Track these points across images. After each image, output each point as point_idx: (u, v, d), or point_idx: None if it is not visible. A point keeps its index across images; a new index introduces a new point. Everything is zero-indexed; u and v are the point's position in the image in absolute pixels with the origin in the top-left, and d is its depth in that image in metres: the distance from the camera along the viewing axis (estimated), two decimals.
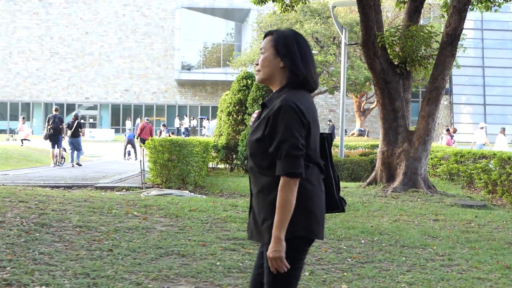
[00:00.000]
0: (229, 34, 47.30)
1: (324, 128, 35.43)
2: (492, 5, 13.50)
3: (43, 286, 4.00)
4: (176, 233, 6.19)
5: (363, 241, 6.27)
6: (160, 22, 45.74)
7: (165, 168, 10.55)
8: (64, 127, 16.58)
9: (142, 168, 11.01)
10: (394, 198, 10.36)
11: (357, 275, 4.86)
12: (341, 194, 2.56)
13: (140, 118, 40.33)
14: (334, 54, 31.78)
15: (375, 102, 36.96)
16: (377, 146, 17.57)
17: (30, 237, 5.43)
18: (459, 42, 12.07)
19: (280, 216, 2.25)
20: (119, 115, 46.14)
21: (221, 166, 17.41)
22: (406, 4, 12.57)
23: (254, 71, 2.67)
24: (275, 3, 14.03)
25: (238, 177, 14.59)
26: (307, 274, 4.76)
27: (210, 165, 16.45)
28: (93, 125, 44.96)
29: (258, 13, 39.72)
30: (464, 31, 13.64)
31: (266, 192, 2.35)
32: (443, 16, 14.15)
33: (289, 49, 2.43)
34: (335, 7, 16.70)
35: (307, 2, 14.61)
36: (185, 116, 40.96)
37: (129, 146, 21.68)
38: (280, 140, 2.28)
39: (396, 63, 11.63)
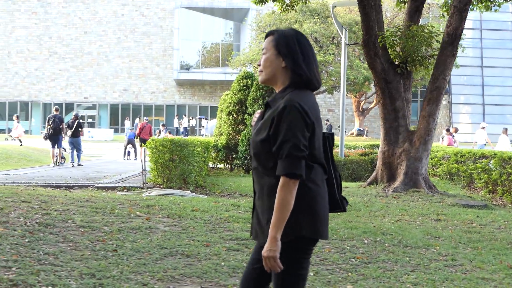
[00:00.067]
0: (228, 34, 47.28)
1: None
2: (492, 5, 13.52)
3: (49, 286, 4.00)
4: (179, 233, 6.20)
5: (366, 241, 6.28)
6: (159, 21, 45.71)
7: (166, 168, 10.55)
8: (64, 127, 16.58)
9: (143, 168, 11.01)
10: (395, 198, 10.37)
11: (362, 275, 4.87)
12: (342, 194, 2.57)
13: (139, 118, 40.32)
14: (333, 54, 31.81)
15: (374, 102, 37.03)
16: (376, 146, 17.62)
17: (34, 238, 5.44)
18: None
19: (278, 215, 2.25)
20: (117, 115, 46.11)
21: (221, 166, 17.42)
22: (406, 4, 12.58)
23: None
24: (275, 3, 14.02)
25: (238, 177, 14.60)
26: (312, 274, 4.76)
27: (210, 165, 16.44)
28: (91, 125, 44.90)
29: (257, 12, 39.73)
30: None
31: (271, 193, 2.34)
32: (443, 16, 14.17)
33: (290, 49, 2.42)
34: (335, 7, 16.71)
35: (307, 2, 14.61)
36: (184, 116, 40.94)
37: (129, 146, 21.67)
38: (282, 140, 2.28)
39: (396, 63, 11.64)
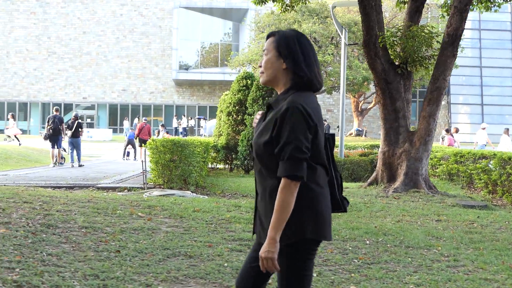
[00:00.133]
0: (226, 34, 47.26)
1: None
2: (492, 5, 13.55)
3: (53, 287, 4.00)
4: (181, 234, 6.20)
5: (368, 242, 6.29)
6: (158, 21, 45.69)
7: (167, 168, 10.55)
8: (64, 127, 16.58)
9: (144, 169, 11.01)
10: (395, 198, 10.39)
11: (365, 276, 4.88)
12: (343, 194, 2.57)
13: (138, 118, 40.29)
14: (332, 54, 31.83)
15: (373, 102, 37.06)
16: (376, 146, 17.64)
17: (37, 238, 5.43)
18: None
19: (278, 217, 2.25)
20: (116, 115, 46.06)
21: (220, 166, 17.42)
22: (406, 4, 12.60)
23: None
24: (275, 3, 14.03)
25: (238, 177, 14.61)
26: (315, 275, 4.77)
27: (209, 165, 16.44)
28: (90, 125, 44.84)
29: (256, 13, 39.74)
30: None
31: (274, 195, 2.33)
32: (443, 17, 14.19)
33: (291, 50, 2.42)
34: (335, 7, 16.72)
35: (306, 2, 14.61)
36: (183, 116, 40.92)
37: (129, 146, 21.65)
38: (285, 142, 2.27)
39: (397, 63, 11.66)
